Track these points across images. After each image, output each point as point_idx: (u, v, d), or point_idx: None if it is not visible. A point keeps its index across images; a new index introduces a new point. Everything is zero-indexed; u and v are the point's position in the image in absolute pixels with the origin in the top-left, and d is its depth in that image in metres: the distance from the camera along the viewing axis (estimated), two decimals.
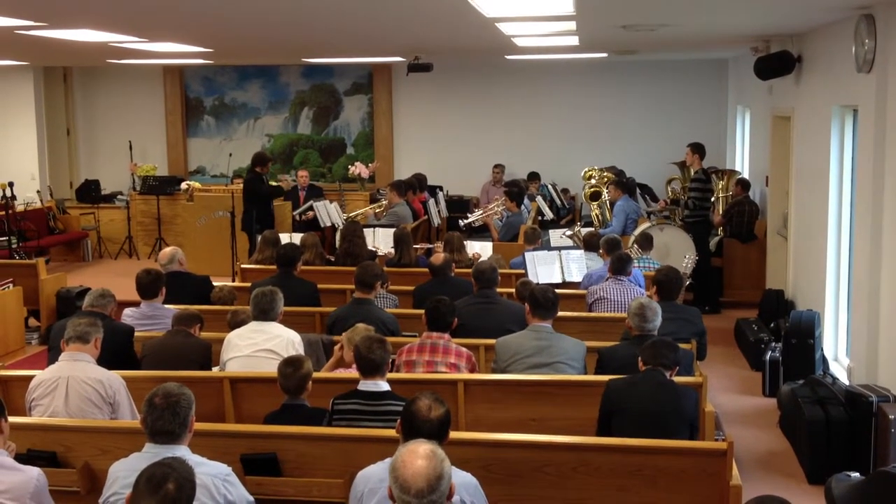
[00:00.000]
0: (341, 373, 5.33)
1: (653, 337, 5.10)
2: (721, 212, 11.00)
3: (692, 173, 10.64)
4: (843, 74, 7.21)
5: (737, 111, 13.35)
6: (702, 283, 10.11)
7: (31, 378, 4.94)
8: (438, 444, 3.22)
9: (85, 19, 7.23)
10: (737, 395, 7.74)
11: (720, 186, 11.20)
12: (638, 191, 12.13)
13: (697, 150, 10.58)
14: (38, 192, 14.09)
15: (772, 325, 8.59)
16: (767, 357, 7.66)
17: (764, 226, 10.61)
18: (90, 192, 14.42)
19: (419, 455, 2.98)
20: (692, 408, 4.64)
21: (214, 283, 7.49)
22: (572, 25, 7.85)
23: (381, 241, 9.65)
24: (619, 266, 6.95)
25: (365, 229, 9.33)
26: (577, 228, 10.05)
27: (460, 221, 11.16)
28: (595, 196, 11.58)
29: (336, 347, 5.49)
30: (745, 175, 11.85)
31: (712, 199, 10.92)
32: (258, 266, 8.54)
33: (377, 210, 11.46)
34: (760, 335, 8.34)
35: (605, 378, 4.87)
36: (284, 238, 8.99)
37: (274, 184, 11.73)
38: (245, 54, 12.31)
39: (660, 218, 10.89)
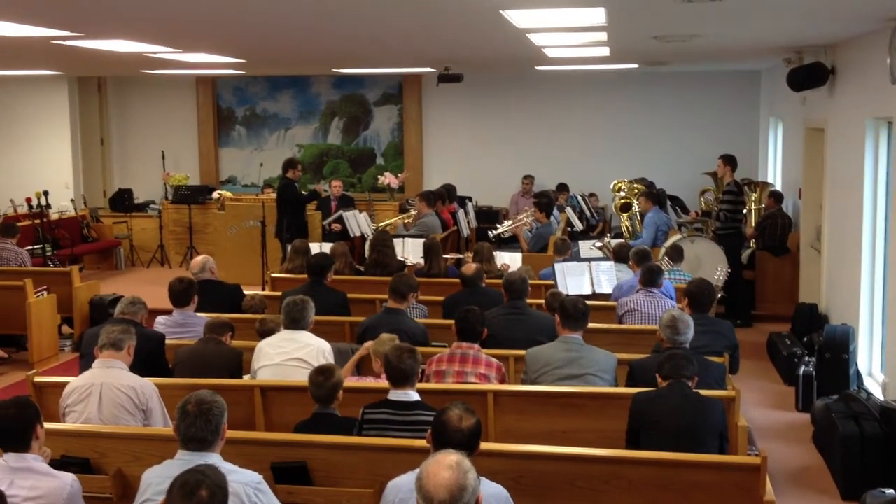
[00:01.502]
0: (371, 382, 5.33)
1: (684, 350, 5.06)
2: (753, 224, 10.90)
3: (724, 185, 10.56)
4: (877, 86, 7.13)
5: (769, 123, 13.25)
6: (734, 295, 10.03)
7: (65, 385, 4.99)
8: (469, 454, 3.20)
9: (120, 30, 7.32)
10: (770, 409, 7.66)
11: (753, 198, 11.11)
12: (668, 202, 12.06)
13: (729, 161, 10.51)
14: (72, 200, 14.25)
15: (805, 339, 8.49)
16: (801, 371, 7.57)
17: (797, 238, 10.51)
18: (123, 201, 14.57)
19: (444, 465, 2.97)
20: (720, 419, 4.60)
21: (245, 292, 7.53)
22: (603, 36, 7.84)
23: (410, 251, 9.66)
24: (650, 278, 6.91)
25: (394, 239, 9.35)
26: (606, 240, 10.00)
27: (489, 232, 11.15)
28: (625, 207, 11.53)
29: (362, 349, 5.51)
30: (778, 187, 11.75)
31: (744, 211, 10.83)
32: (289, 275, 8.58)
33: (406, 220, 11.48)
34: (793, 349, 8.25)
35: (636, 391, 4.84)
36: (314, 248, 9.04)
37: (307, 192, 11.78)
38: (277, 64, 12.40)
39: (691, 230, 10.82)
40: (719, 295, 8.03)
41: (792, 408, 7.61)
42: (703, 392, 4.70)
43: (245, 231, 12.34)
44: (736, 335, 6.12)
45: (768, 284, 10.67)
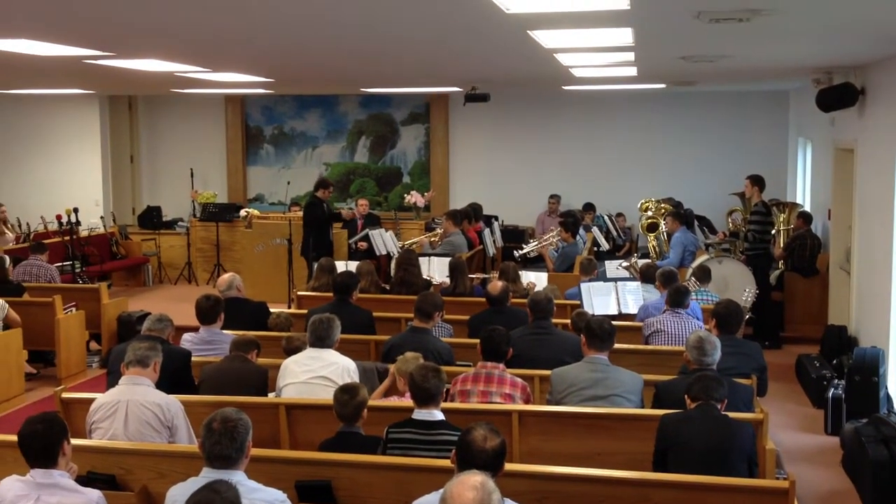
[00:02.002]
0: (396, 401, 5.32)
1: (711, 371, 5.02)
2: (782, 245, 10.82)
3: (752, 205, 10.49)
4: None
5: (798, 143, 13.16)
6: (762, 317, 9.94)
7: (91, 401, 5.01)
8: (493, 475, 3.19)
9: (152, 50, 7.41)
10: (798, 432, 7.57)
11: (781, 219, 11.02)
12: (696, 223, 12.00)
13: (757, 182, 10.45)
14: (101, 217, 14.40)
15: (834, 361, 8.40)
16: (830, 394, 7.48)
17: (826, 260, 10.41)
18: (152, 219, 14.70)
19: (468, 486, 2.95)
20: (749, 442, 4.55)
21: (271, 310, 7.56)
22: (631, 56, 7.84)
23: (436, 270, 9.66)
24: (676, 298, 6.87)
25: (420, 258, 9.35)
26: (633, 260, 9.95)
27: (515, 251, 11.13)
28: (652, 227, 11.48)
29: (390, 376, 5.51)
30: (807, 208, 11.66)
31: (773, 231, 10.74)
32: (314, 293, 8.61)
33: (432, 239, 11.50)
34: (822, 372, 8.16)
35: (662, 412, 4.80)
36: (340, 266, 9.07)
37: (333, 211, 11.83)
38: (305, 84, 12.50)
39: (718, 250, 10.75)
40: (747, 316, 7.96)
41: (821, 431, 7.51)
42: (731, 414, 4.66)
43: (272, 249, 12.40)
44: (764, 357, 6.05)
45: (797, 306, 10.57)
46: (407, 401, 4.94)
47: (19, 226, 13.16)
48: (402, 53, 7.74)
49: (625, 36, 6.39)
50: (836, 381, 7.68)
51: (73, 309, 9.24)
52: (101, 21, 5.70)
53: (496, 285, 7.21)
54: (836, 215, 10.01)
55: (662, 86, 12.18)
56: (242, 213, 13.77)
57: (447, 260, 9.22)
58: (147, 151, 16.32)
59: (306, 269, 11.23)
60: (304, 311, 7.57)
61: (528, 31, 6.14)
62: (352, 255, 11.58)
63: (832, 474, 6.63)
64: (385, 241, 11.14)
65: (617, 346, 5.64)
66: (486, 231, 11.92)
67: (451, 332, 7.11)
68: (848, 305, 9.25)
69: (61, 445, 3.85)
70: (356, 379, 5.46)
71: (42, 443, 3.81)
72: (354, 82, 11.98)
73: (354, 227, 12.40)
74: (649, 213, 11.75)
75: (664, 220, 11.26)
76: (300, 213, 12.41)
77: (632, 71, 9.35)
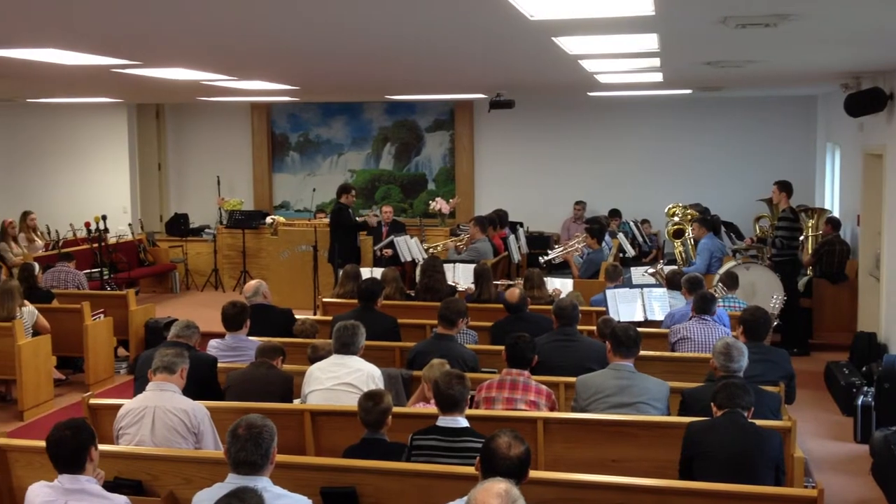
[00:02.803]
0: (420, 408, 5.32)
1: (738, 378, 4.98)
2: (810, 251, 10.72)
3: (780, 211, 10.41)
4: None
5: (826, 148, 13.05)
6: (790, 324, 9.85)
7: (119, 407, 5.06)
8: (517, 482, 3.18)
9: (178, 58, 7.47)
10: (827, 440, 7.49)
11: (810, 225, 10.93)
12: (723, 229, 11.92)
13: (785, 187, 10.36)
14: (129, 225, 14.53)
15: (864, 368, 8.31)
16: (859, 402, 7.40)
17: (855, 266, 10.30)
18: (179, 226, 14.81)
19: (493, 493, 2.95)
20: (777, 451, 4.51)
21: (297, 316, 7.59)
22: (656, 62, 7.81)
23: (460, 276, 9.67)
24: (703, 305, 6.82)
25: (445, 265, 9.36)
26: (659, 266, 9.90)
27: (540, 258, 11.10)
28: (678, 234, 11.42)
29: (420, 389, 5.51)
30: (836, 213, 11.55)
31: (801, 237, 10.65)
32: (339, 300, 8.63)
33: (458, 245, 11.50)
34: (852, 379, 8.07)
35: (689, 420, 4.77)
36: (365, 273, 9.09)
37: (360, 220, 11.86)
38: (330, 91, 12.55)
39: (746, 256, 10.67)
40: (775, 323, 7.89)
41: (850, 439, 7.43)
42: (759, 422, 4.62)
43: (297, 256, 12.46)
44: (792, 364, 6.00)
45: (826, 312, 10.47)
46: (431, 407, 4.93)
47: (48, 233, 13.31)
48: (427, 60, 7.75)
49: (650, 42, 6.36)
50: (865, 388, 7.60)
51: (102, 315, 9.32)
52: (129, 30, 5.76)
53: (513, 293, 7.19)
54: (865, 221, 9.92)
55: (688, 91, 12.12)
56: (268, 220, 13.84)
57: (472, 266, 9.22)
58: (174, 159, 16.46)
59: (332, 275, 11.27)
60: (330, 318, 7.59)
61: (553, 38, 6.13)
62: (377, 261, 11.61)
63: (861, 483, 6.55)
64: (410, 247, 11.16)
65: (643, 353, 5.61)
66: (511, 237, 11.91)
67: (476, 338, 7.11)
68: (877, 312, 9.15)
69: (89, 451, 3.88)
70: (381, 385, 5.47)
71: (70, 449, 3.85)
72: (380, 90, 12.02)
73: (379, 234, 12.43)
74: (676, 219, 11.69)
75: (691, 226, 11.20)
76: (325, 220, 12.46)
77: (657, 77, 9.31)
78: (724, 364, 5.09)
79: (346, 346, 5.65)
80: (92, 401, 5.59)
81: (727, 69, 8.27)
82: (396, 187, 15.76)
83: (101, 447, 4.12)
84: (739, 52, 7.14)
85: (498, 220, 12.23)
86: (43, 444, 4.02)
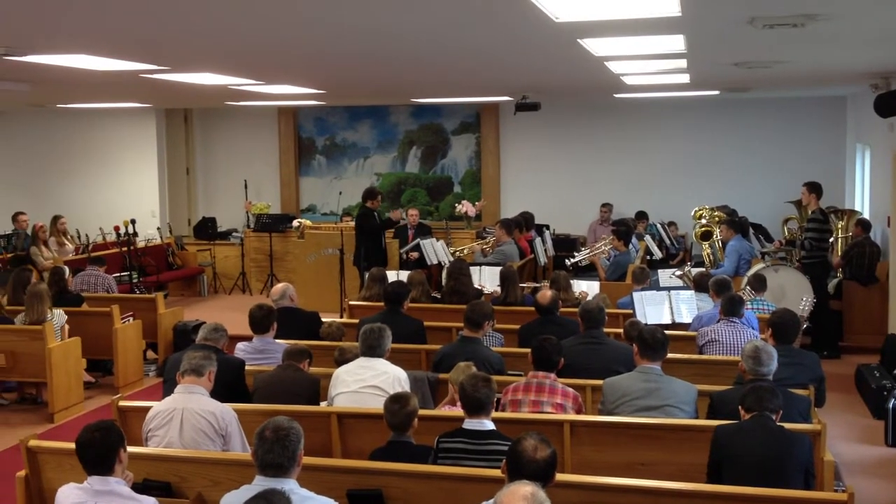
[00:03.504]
0: (446, 411, 5.32)
1: (767, 382, 4.94)
2: (840, 253, 10.61)
3: (809, 213, 10.31)
4: None
5: (856, 149, 12.91)
6: (820, 326, 9.76)
7: (148, 409, 5.10)
8: (544, 485, 3.17)
9: (206, 63, 7.53)
10: (857, 444, 7.41)
11: (839, 226, 10.81)
12: (751, 231, 11.82)
13: (814, 189, 10.27)
14: (158, 228, 14.65)
15: (895, 371, 8.20)
16: (891, 405, 7.31)
17: (885, 267, 10.18)
18: (207, 229, 14.92)
19: (519, 496, 2.95)
20: (806, 454, 4.47)
21: (323, 319, 7.61)
22: (683, 63, 7.77)
23: (486, 279, 9.66)
24: (731, 308, 6.78)
25: (471, 267, 9.35)
26: (687, 268, 9.84)
27: (567, 260, 11.07)
28: (706, 236, 11.34)
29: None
30: (866, 215, 11.42)
31: (830, 239, 10.54)
32: (366, 303, 8.65)
33: (484, 247, 11.50)
34: (883, 382, 7.98)
35: (717, 423, 4.73)
36: (391, 276, 9.10)
37: (384, 219, 11.89)
38: (357, 95, 12.60)
39: (775, 259, 10.57)
40: (804, 326, 7.82)
41: (881, 442, 7.34)
42: (788, 426, 4.58)
43: (324, 259, 12.51)
44: (822, 367, 5.94)
45: (856, 315, 10.36)
46: (458, 410, 4.93)
47: (78, 237, 13.44)
48: (453, 63, 7.76)
49: (676, 43, 6.33)
50: None
51: (131, 319, 9.41)
52: (158, 36, 5.81)
53: (545, 294, 7.18)
54: (895, 222, 9.80)
55: (716, 92, 12.04)
56: (295, 223, 13.91)
57: (498, 269, 9.21)
58: (202, 163, 16.58)
59: (358, 278, 11.30)
60: (356, 321, 7.62)
61: (578, 40, 6.12)
62: (403, 264, 11.63)
63: (892, 487, 6.48)
64: (436, 250, 11.17)
65: (670, 355, 5.58)
66: (538, 240, 11.88)
67: (503, 341, 7.10)
68: None
69: (118, 453, 3.91)
70: (407, 388, 5.48)
71: (99, 450, 3.88)
72: (405, 93, 12.05)
73: (405, 237, 12.45)
74: (703, 221, 11.62)
75: (718, 228, 11.12)
76: (352, 223, 12.50)
77: (684, 78, 9.26)
78: (753, 368, 5.05)
79: (372, 349, 5.67)
80: (121, 403, 5.64)
81: (755, 70, 8.21)
82: (422, 190, 15.78)
83: (130, 449, 4.15)
84: (767, 53, 7.09)
85: (524, 223, 12.21)
86: (73, 446, 4.07)
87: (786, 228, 12.17)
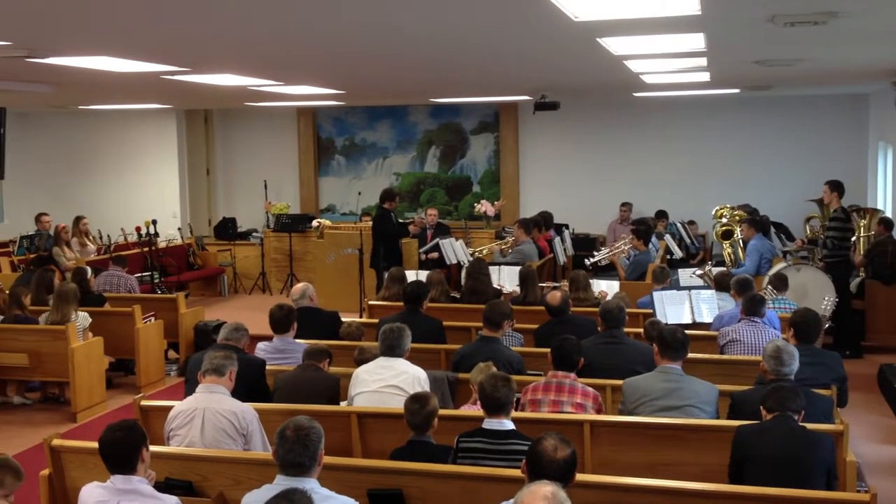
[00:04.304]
0: (466, 410, 5.33)
1: (789, 382, 4.91)
2: (862, 252, 10.53)
3: (831, 212, 10.24)
4: None
5: (878, 147, 12.80)
6: (842, 326, 9.69)
7: (169, 408, 5.13)
8: (564, 486, 3.17)
9: (226, 65, 7.57)
10: (880, 444, 7.35)
11: (862, 225, 10.73)
12: (773, 230, 11.75)
13: (836, 187, 10.20)
14: (178, 229, 14.74)
15: None
16: None
17: None
18: (227, 230, 14.99)
19: (539, 496, 2.94)
20: (829, 455, 4.44)
21: (343, 319, 7.63)
22: (703, 62, 7.73)
23: (506, 279, 9.65)
24: (752, 307, 6.74)
25: (490, 267, 9.34)
26: (708, 268, 9.79)
27: (586, 260, 11.05)
28: (727, 235, 11.28)
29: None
30: (888, 213, 11.32)
31: (853, 238, 10.46)
32: (385, 302, 8.67)
33: (503, 246, 11.49)
34: None
35: (738, 423, 4.71)
36: (410, 275, 9.11)
37: (403, 221, 11.90)
38: (376, 95, 12.62)
39: (796, 258, 10.50)
40: (826, 325, 7.76)
41: None
42: (810, 426, 4.55)
43: (343, 259, 12.54)
44: (844, 367, 5.90)
45: (879, 314, 10.28)
46: (478, 410, 4.93)
47: (100, 237, 13.54)
48: (473, 63, 7.76)
49: (696, 41, 6.31)
50: None
51: (152, 318, 9.46)
52: (179, 38, 5.85)
53: (554, 296, 7.15)
54: None
55: (736, 91, 11.98)
56: (314, 223, 13.95)
57: (517, 269, 9.19)
58: (222, 164, 16.66)
59: (377, 278, 11.31)
60: (375, 321, 7.63)
61: (597, 39, 6.10)
62: (422, 264, 11.64)
63: None
64: (455, 250, 11.17)
65: (691, 355, 5.55)
66: (557, 239, 11.86)
67: (522, 341, 7.09)
68: None
69: (140, 452, 3.94)
70: (427, 388, 5.48)
71: (122, 450, 3.91)
72: (424, 93, 12.06)
73: (424, 237, 12.45)
74: (724, 220, 11.55)
75: (739, 227, 11.06)
76: (371, 224, 12.52)
77: (704, 76, 9.22)
78: (774, 368, 5.03)
79: (391, 349, 5.68)
80: (143, 402, 5.68)
81: (776, 68, 8.17)
82: (441, 190, 15.79)
83: (153, 448, 4.18)
84: (788, 51, 7.05)
85: (543, 222, 12.19)
86: (96, 445, 4.10)
87: (808, 227, 12.10)
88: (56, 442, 4.81)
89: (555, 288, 7.85)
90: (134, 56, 6.70)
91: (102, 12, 4.76)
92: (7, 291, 8.77)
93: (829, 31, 5.66)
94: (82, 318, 8.38)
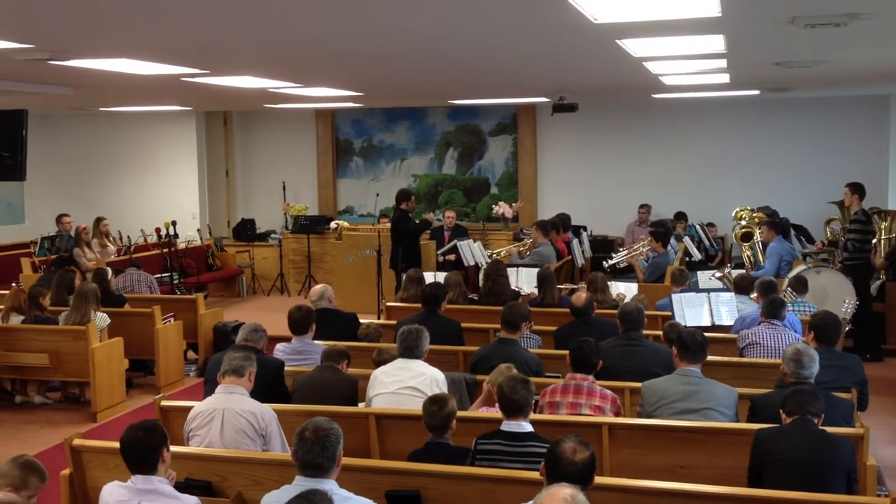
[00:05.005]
0: (484, 412, 5.32)
1: (809, 385, 4.89)
2: (883, 254, 10.45)
3: (851, 214, 10.17)
4: None
5: None
6: (862, 329, 9.62)
7: (189, 409, 5.15)
8: (583, 488, 3.17)
9: (246, 67, 7.60)
10: None
11: (882, 227, 10.65)
12: (792, 232, 11.69)
13: (857, 189, 10.13)
14: (198, 230, 14.80)
15: None
16: None
17: None
18: (246, 231, 15.05)
19: (558, 499, 2.94)
20: (849, 458, 4.42)
21: (361, 321, 7.65)
22: (723, 63, 7.70)
23: (524, 280, 9.64)
24: (772, 310, 6.70)
25: (508, 269, 9.33)
26: (727, 270, 9.75)
27: (604, 262, 11.02)
28: (747, 237, 11.23)
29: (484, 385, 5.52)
30: None
31: (873, 241, 10.39)
32: (403, 304, 8.68)
33: (521, 248, 11.48)
34: None
35: (758, 426, 4.69)
36: (428, 277, 9.12)
37: (419, 221, 11.92)
38: (394, 97, 12.64)
39: (817, 260, 10.44)
40: (847, 328, 7.71)
41: None
42: (830, 429, 4.52)
43: (361, 260, 12.56)
44: (864, 370, 5.86)
45: None
46: (495, 412, 4.93)
47: (120, 238, 13.62)
48: (492, 65, 7.76)
49: (716, 43, 6.29)
50: None
51: (172, 319, 9.51)
52: (198, 40, 5.88)
53: (580, 297, 7.15)
54: None
55: (756, 92, 11.92)
56: (333, 224, 13.99)
57: (535, 271, 9.19)
58: (241, 165, 16.73)
59: (395, 280, 11.33)
60: (394, 322, 7.64)
61: (617, 41, 6.09)
62: (440, 265, 11.64)
63: None
64: (473, 252, 11.17)
65: (711, 358, 5.54)
66: (575, 241, 11.84)
67: (540, 342, 7.09)
68: None
69: (161, 452, 3.96)
70: (445, 389, 5.48)
71: (143, 450, 3.93)
72: (443, 94, 12.07)
73: (442, 239, 12.46)
74: (743, 222, 11.50)
75: (759, 229, 11.00)
76: (389, 225, 12.54)
77: (724, 78, 9.18)
78: (794, 371, 5.00)
79: (410, 350, 5.68)
80: (163, 403, 5.70)
81: (796, 69, 8.12)
82: (459, 191, 15.79)
83: (172, 448, 4.20)
84: (809, 53, 7.02)
85: (561, 224, 12.17)
86: (116, 444, 4.12)
87: (828, 229, 12.02)
88: (77, 442, 4.84)
89: (573, 290, 7.84)
90: (154, 59, 6.75)
91: (123, 15, 4.80)
92: (27, 292, 8.84)
93: (849, 32, 5.63)
94: (101, 318, 8.43)
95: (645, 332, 6.46)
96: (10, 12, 4.68)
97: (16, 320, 8.53)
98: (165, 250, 12.53)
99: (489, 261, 10.62)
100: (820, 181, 13.32)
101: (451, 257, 11.61)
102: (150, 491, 3.88)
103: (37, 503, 4.14)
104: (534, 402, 4.67)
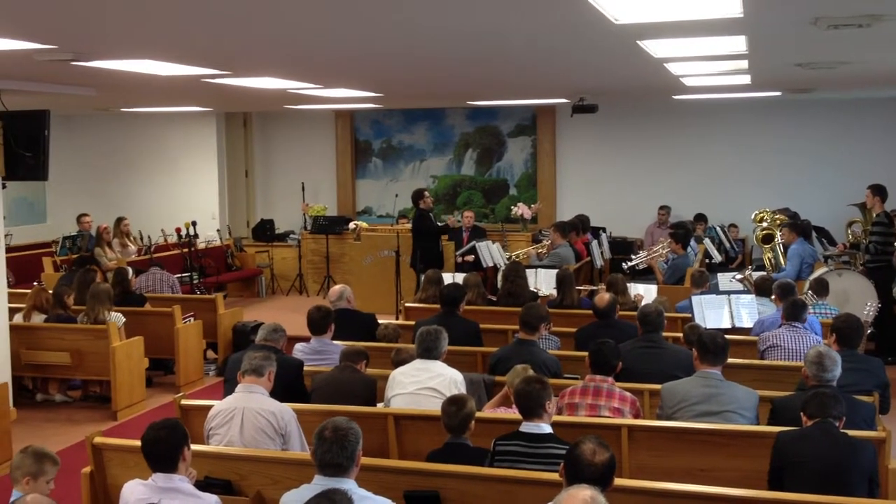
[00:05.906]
0: (503, 413, 5.32)
1: (830, 388, 4.85)
2: None
3: (873, 216, 10.09)
4: None
5: None
6: (884, 332, 9.54)
7: (209, 408, 5.18)
8: (602, 490, 3.16)
9: (266, 68, 7.63)
10: None
11: None
12: (814, 234, 11.60)
13: (879, 191, 10.05)
14: (217, 230, 14.86)
15: None
16: None
17: None
18: (265, 231, 15.10)
19: (578, 500, 2.94)
20: (870, 462, 4.39)
21: (380, 321, 7.66)
22: (744, 64, 7.66)
23: (542, 282, 9.63)
24: (793, 312, 6.66)
25: (527, 270, 9.33)
26: (748, 272, 9.69)
27: (624, 263, 10.99)
28: (767, 239, 11.16)
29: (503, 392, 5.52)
30: None
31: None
32: (422, 305, 8.68)
33: (540, 251, 11.46)
34: None
35: (778, 429, 4.66)
36: (447, 278, 9.12)
37: (441, 224, 11.95)
38: (413, 98, 12.65)
39: (838, 263, 10.36)
40: (869, 331, 7.65)
41: None
42: (852, 432, 4.49)
43: (380, 261, 12.58)
44: (887, 373, 5.82)
45: None
46: (514, 413, 4.93)
47: (141, 238, 13.70)
48: (511, 65, 7.75)
49: (738, 44, 6.25)
50: None
51: (192, 319, 9.56)
52: (220, 41, 5.91)
53: (603, 298, 7.13)
54: None
55: (778, 93, 11.85)
56: (351, 225, 14.01)
57: (554, 272, 9.17)
58: (261, 166, 16.79)
59: (414, 280, 11.34)
60: (412, 323, 7.65)
61: (638, 42, 6.07)
62: (459, 266, 11.64)
63: None
64: (492, 253, 11.16)
65: (731, 360, 5.51)
66: (594, 243, 11.82)
67: (559, 344, 7.07)
68: None
69: (182, 451, 3.99)
70: (463, 390, 5.48)
71: (164, 448, 3.96)
72: (462, 96, 12.07)
73: (460, 240, 12.46)
74: (764, 224, 11.43)
75: (780, 231, 10.94)
76: (408, 226, 12.56)
77: (745, 79, 9.13)
78: (816, 374, 4.97)
79: (428, 351, 5.69)
80: (183, 402, 5.74)
81: (818, 71, 8.07)
82: (478, 193, 15.78)
83: (193, 447, 4.22)
84: (831, 54, 6.97)
85: (580, 226, 12.15)
86: (136, 443, 4.15)
87: (849, 232, 11.93)
88: (98, 440, 4.87)
89: (593, 292, 7.83)
90: (176, 60, 6.78)
91: (146, 17, 4.83)
92: (51, 291, 8.91)
93: (873, 34, 5.58)
94: (115, 317, 8.48)
95: (665, 333, 6.44)
96: (34, 14, 4.72)
97: (38, 319, 8.60)
98: (185, 250, 12.59)
99: (508, 262, 10.61)
100: (841, 183, 13.21)
101: (470, 258, 11.61)
102: (171, 489, 3.91)
103: (58, 503, 4.16)
104: (553, 403, 4.65)
